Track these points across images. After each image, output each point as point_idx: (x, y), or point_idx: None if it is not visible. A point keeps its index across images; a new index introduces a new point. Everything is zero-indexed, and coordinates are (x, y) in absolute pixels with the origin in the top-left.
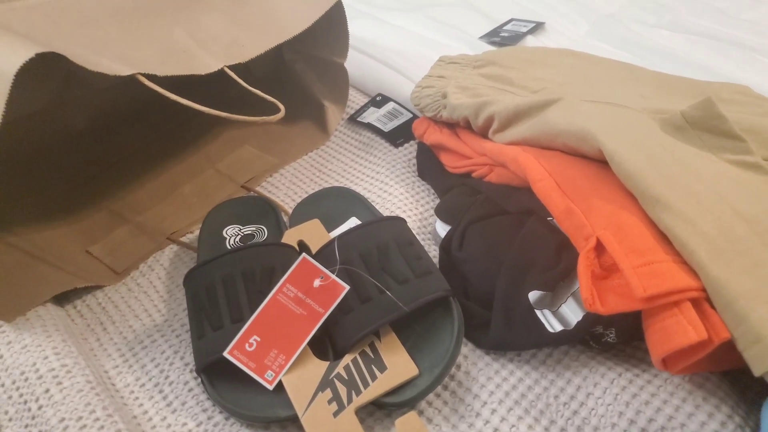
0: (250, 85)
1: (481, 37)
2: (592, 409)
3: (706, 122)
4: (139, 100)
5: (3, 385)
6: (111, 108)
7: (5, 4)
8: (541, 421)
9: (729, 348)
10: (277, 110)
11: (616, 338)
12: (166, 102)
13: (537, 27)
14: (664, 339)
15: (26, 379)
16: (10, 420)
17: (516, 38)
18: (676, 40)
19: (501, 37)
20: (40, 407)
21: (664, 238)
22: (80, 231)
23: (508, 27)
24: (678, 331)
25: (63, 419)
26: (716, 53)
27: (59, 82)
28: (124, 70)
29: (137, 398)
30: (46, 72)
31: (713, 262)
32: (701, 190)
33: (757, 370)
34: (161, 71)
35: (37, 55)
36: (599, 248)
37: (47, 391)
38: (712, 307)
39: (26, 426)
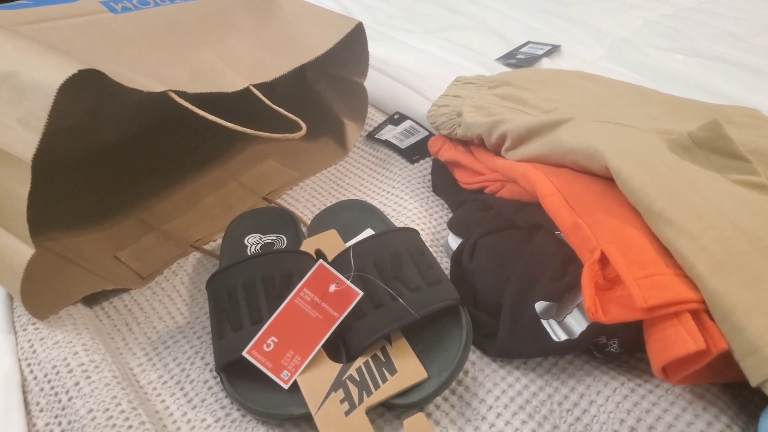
0: (275, 103)
1: (497, 59)
2: (594, 416)
3: (713, 143)
4: (167, 115)
5: (36, 378)
6: (141, 123)
7: (48, 23)
8: (545, 426)
9: (729, 359)
10: (299, 128)
11: (619, 348)
12: (193, 118)
13: (553, 50)
14: (663, 348)
15: (57, 373)
16: (41, 411)
17: (532, 60)
18: (690, 64)
19: (517, 59)
20: (70, 399)
21: (666, 252)
22: (110, 237)
23: (524, 49)
24: (677, 340)
25: (91, 410)
26: (729, 77)
27: (94, 97)
28: (157, 87)
29: (159, 394)
30: (83, 87)
31: (712, 275)
32: (704, 207)
33: (754, 380)
34: (191, 89)
35: (79, 71)
36: (603, 261)
37: (77, 384)
38: (711, 318)
39: (56, 416)
